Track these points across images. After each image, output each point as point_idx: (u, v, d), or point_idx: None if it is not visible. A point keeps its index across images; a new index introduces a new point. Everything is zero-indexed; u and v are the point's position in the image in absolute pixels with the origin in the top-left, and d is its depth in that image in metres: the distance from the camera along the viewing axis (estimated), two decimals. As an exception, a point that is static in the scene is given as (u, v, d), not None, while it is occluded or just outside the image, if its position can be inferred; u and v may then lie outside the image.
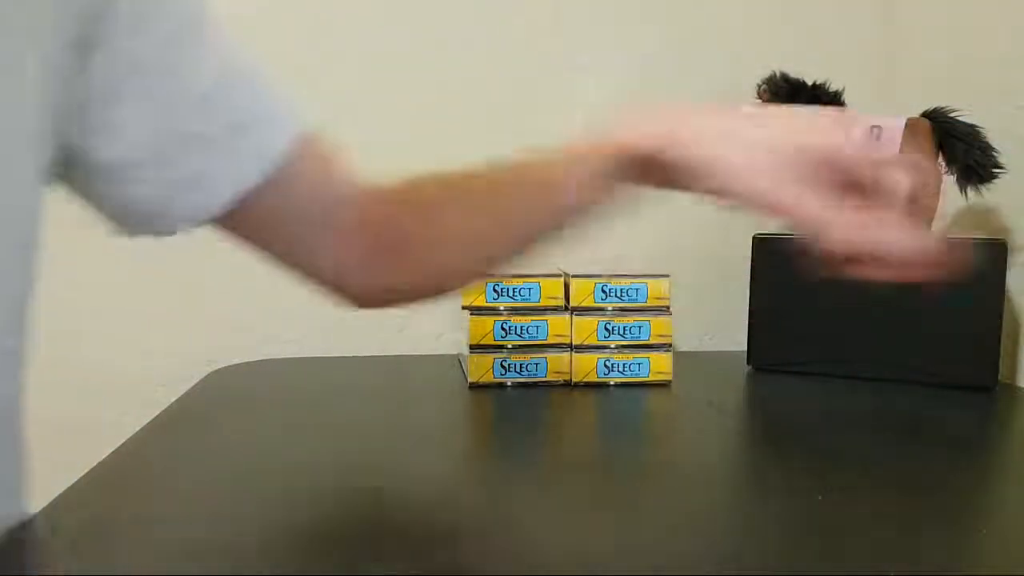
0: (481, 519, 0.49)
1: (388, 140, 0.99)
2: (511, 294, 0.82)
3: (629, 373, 0.83)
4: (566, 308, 0.83)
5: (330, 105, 0.97)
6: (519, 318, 0.82)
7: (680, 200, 1.06)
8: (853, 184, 0.38)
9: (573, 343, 0.83)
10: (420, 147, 1.00)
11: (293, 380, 0.87)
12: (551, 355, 0.83)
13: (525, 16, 1.00)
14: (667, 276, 0.84)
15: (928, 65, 1.02)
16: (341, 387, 0.83)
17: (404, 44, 0.98)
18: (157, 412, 0.73)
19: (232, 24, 0.47)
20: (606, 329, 0.83)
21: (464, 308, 0.82)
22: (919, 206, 0.85)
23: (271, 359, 0.98)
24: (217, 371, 0.92)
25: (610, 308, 0.83)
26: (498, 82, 1.00)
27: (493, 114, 1.01)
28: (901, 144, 0.83)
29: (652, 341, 0.83)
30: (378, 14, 0.97)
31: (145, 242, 0.45)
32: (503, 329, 0.82)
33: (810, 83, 0.88)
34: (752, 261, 0.89)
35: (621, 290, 0.83)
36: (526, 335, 0.82)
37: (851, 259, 0.38)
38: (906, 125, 0.83)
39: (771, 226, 1.09)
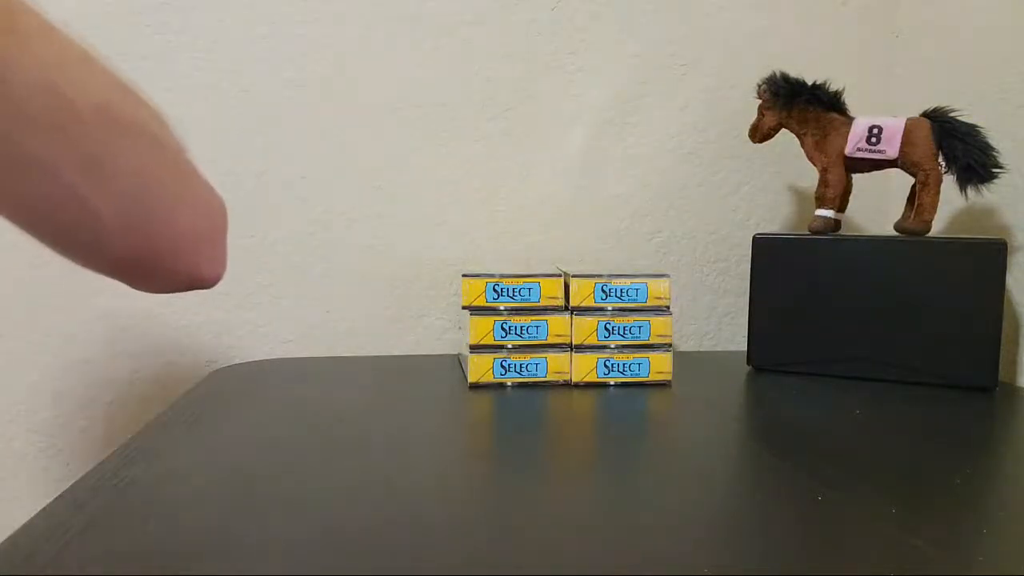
0: (481, 519, 0.49)
1: (388, 139, 0.99)
2: (511, 294, 0.82)
3: (629, 373, 0.83)
4: (566, 308, 0.83)
5: (332, 104, 0.97)
6: (519, 318, 0.82)
7: (680, 200, 1.06)
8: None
9: (573, 343, 0.83)
10: (420, 146, 1.00)
11: (293, 380, 0.87)
12: (551, 355, 0.83)
13: (525, 16, 1.00)
14: (667, 276, 0.84)
15: (928, 65, 1.02)
16: (341, 387, 0.83)
17: (404, 44, 0.98)
18: (157, 412, 0.73)
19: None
20: (606, 329, 0.83)
21: (464, 308, 0.82)
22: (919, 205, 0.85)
23: (271, 359, 0.98)
24: (217, 371, 0.92)
25: (610, 308, 0.83)
26: (498, 82, 1.00)
27: (493, 114, 1.01)
28: (901, 144, 0.83)
29: (652, 341, 0.83)
30: (378, 14, 0.97)
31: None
32: (503, 329, 0.82)
33: (810, 83, 0.88)
34: (752, 261, 0.89)
35: (621, 290, 0.83)
36: (526, 335, 0.82)
37: None
38: (906, 125, 0.83)
39: (771, 226, 1.09)
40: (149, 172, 0.36)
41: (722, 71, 1.05)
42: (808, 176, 1.02)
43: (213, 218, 0.43)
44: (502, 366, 0.82)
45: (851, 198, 0.91)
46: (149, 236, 0.38)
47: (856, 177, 0.91)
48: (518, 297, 0.82)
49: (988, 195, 0.84)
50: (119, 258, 0.38)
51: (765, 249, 0.89)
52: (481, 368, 0.82)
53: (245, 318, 0.98)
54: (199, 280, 0.43)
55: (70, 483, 0.53)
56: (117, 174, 0.34)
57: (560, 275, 0.84)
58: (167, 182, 0.38)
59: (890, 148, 0.83)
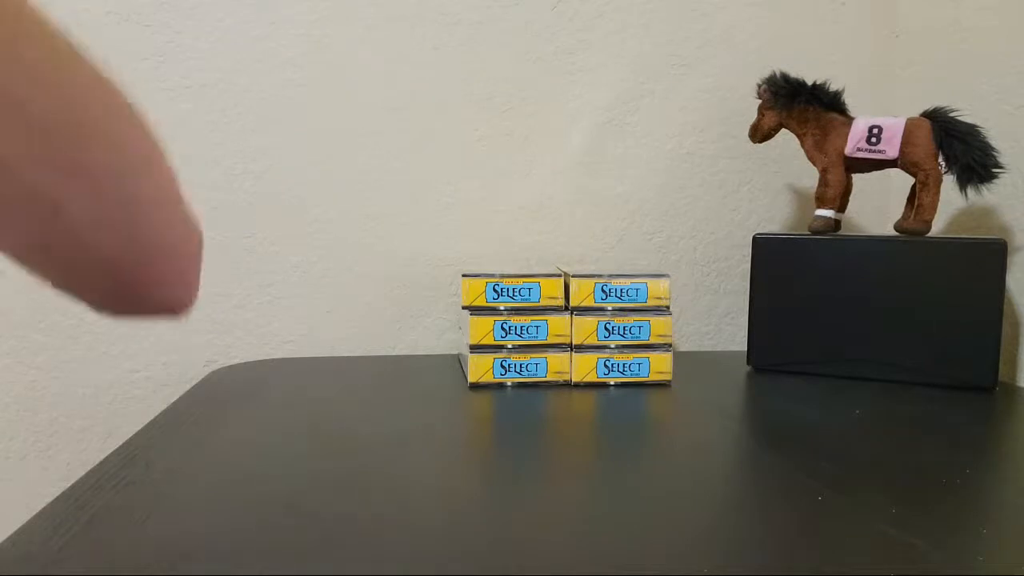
0: (481, 519, 0.49)
1: (389, 138, 0.99)
2: (511, 294, 0.82)
3: (629, 373, 0.83)
4: (566, 308, 0.83)
5: (332, 104, 0.97)
6: (519, 318, 0.82)
7: (680, 200, 1.06)
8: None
9: (573, 343, 0.83)
10: (421, 146, 1.00)
11: (293, 380, 0.87)
12: (551, 355, 0.83)
13: (525, 16, 1.00)
14: (667, 276, 0.84)
15: (928, 65, 1.02)
16: (341, 387, 0.83)
17: (404, 44, 0.98)
18: (157, 412, 0.73)
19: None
20: (606, 329, 0.83)
21: (464, 308, 0.82)
22: (919, 206, 0.85)
23: (271, 359, 0.98)
24: (217, 371, 0.92)
25: (610, 308, 0.83)
26: (498, 82, 1.00)
27: (493, 114, 1.01)
28: (901, 144, 0.83)
29: (652, 341, 0.83)
30: (378, 14, 0.97)
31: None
32: (503, 329, 0.82)
33: (810, 83, 0.88)
34: (752, 261, 0.89)
35: (621, 290, 0.83)
36: (526, 335, 0.82)
37: None
38: (906, 125, 0.83)
39: (771, 226, 1.09)
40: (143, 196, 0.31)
41: (722, 71, 1.05)
42: (808, 176, 1.02)
43: (194, 237, 0.36)
44: (502, 366, 0.82)
45: (851, 198, 0.91)
46: (133, 237, 0.32)
47: (856, 177, 0.91)
48: (518, 297, 0.82)
49: (988, 195, 0.84)
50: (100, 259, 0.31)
51: (765, 249, 0.89)
52: (481, 368, 0.82)
53: (245, 318, 0.98)
54: (177, 301, 0.36)
55: (70, 483, 0.53)
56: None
57: (560, 275, 0.84)
58: (167, 219, 0.33)
59: (890, 148, 0.83)
